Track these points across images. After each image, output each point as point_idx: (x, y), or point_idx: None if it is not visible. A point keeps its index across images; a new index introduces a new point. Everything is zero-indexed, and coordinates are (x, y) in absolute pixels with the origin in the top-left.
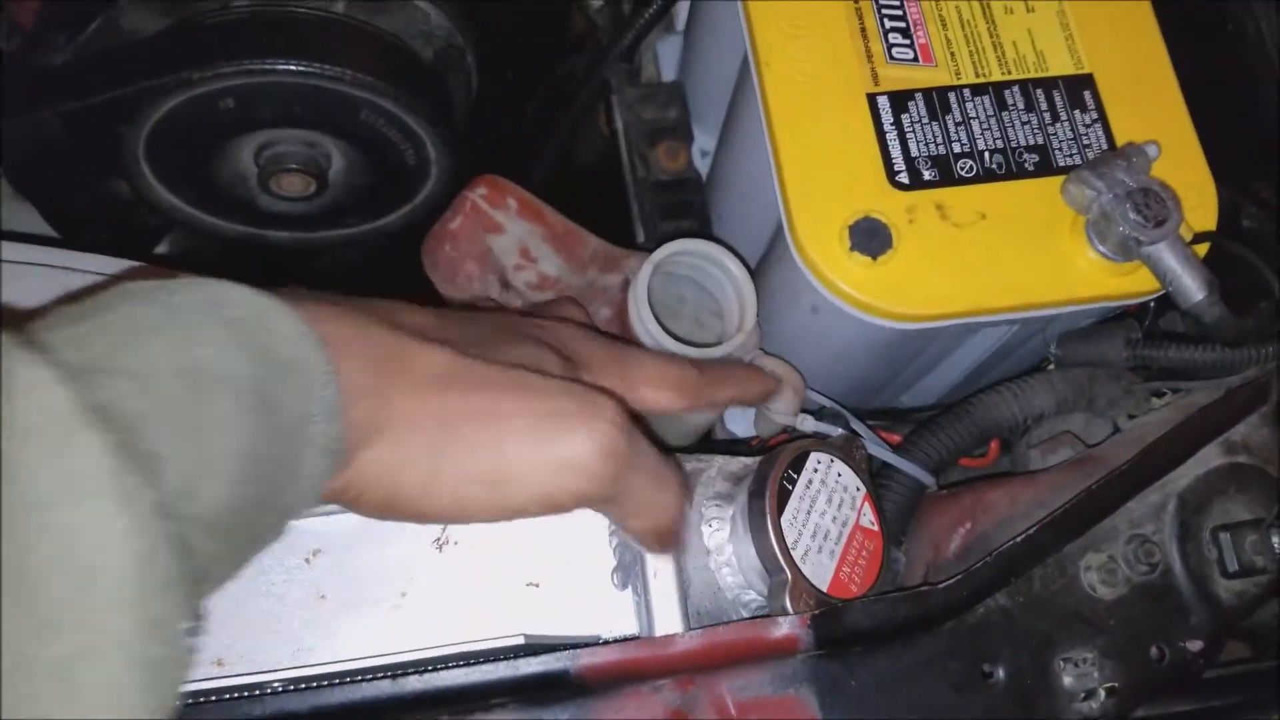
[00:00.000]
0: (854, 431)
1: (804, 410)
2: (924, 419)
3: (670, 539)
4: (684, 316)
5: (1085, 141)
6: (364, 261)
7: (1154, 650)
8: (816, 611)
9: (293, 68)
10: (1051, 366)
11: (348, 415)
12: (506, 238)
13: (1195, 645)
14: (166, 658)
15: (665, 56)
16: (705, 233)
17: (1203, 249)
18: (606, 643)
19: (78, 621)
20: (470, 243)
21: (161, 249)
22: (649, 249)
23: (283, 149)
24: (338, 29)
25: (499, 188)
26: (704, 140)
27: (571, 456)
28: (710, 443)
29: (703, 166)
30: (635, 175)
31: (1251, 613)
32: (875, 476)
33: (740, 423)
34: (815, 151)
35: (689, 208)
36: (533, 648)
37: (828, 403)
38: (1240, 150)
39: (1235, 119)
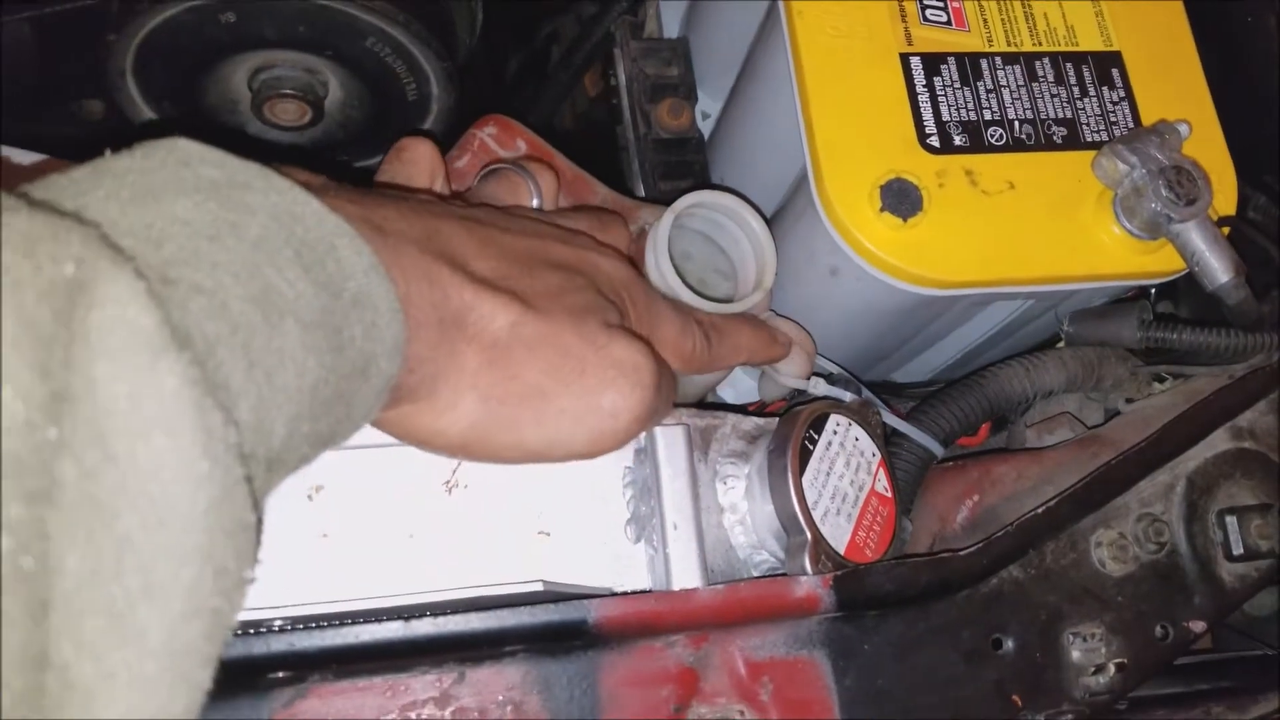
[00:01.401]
0: (865, 398)
1: (815, 374)
2: (922, 394)
3: None
4: (689, 274)
5: (1112, 118)
6: None
7: (1159, 629)
8: (836, 573)
9: None
10: (1062, 344)
11: (406, 356)
12: None
13: (1198, 626)
14: (226, 608)
15: (668, 13)
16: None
17: (1225, 231)
18: (625, 594)
19: (143, 564)
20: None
21: None
22: (660, 201)
23: (280, 73)
24: None
25: (508, 128)
26: (707, 103)
27: (619, 407)
28: (706, 405)
29: (704, 129)
30: (637, 132)
31: (1251, 596)
32: (888, 444)
33: (732, 390)
34: (846, 109)
35: (690, 168)
36: (549, 596)
37: (835, 369)
38: (1248, 142)
39: (1244, 111)
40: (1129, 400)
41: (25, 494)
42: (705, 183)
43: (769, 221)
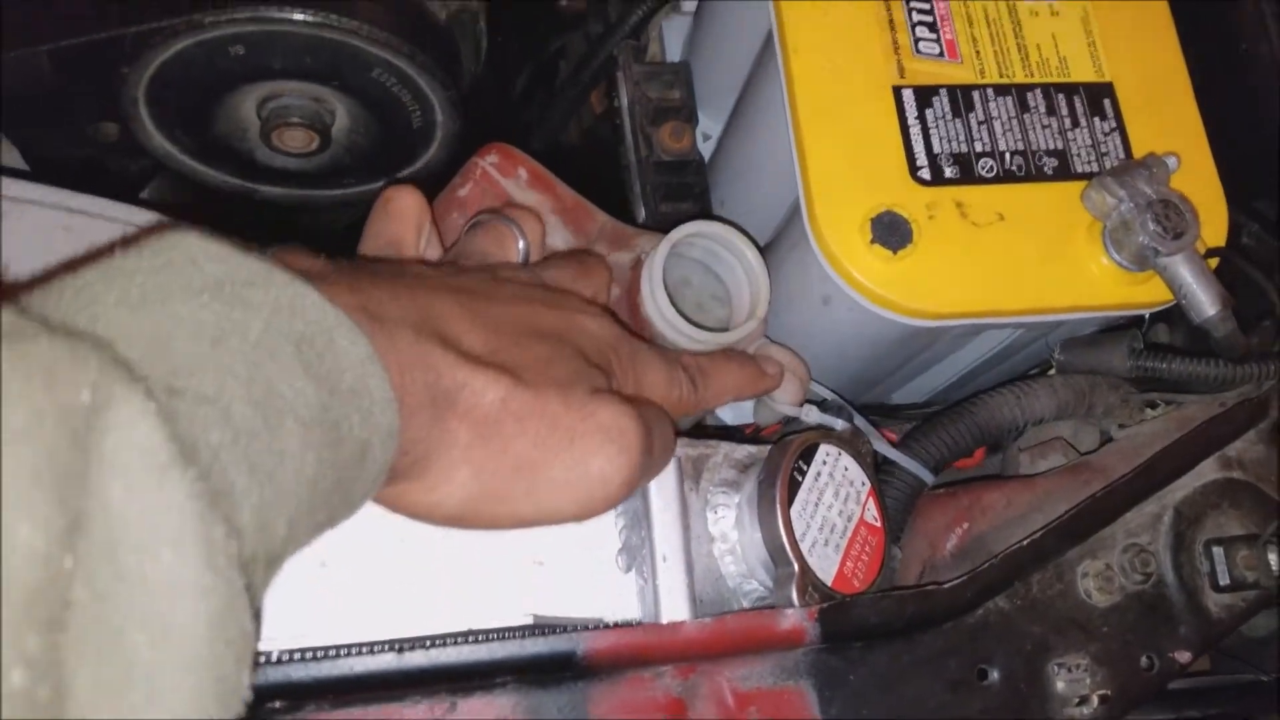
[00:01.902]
0: (857, 425)
1: (808, 401)
2: (916, 417)
3: None
4: (687, 300)
5: (1103, 149)
6: (355, 222)
7: (1144, 659)
8: (821, 605)
9: (308, 18)
10: (1053, 371)
11: (400, 440)
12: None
13: (1184, 656)
14: (225, 711)
15: (670, 36)
16: (707, 217)
17: (1212, 264)
18: (614, 626)
19: (149, 676)
20: (479, 211)
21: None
22: (657, 229)
23: (287, 102)
24: None
25: (510, 156)
26: (708, 124)
27: (608, 473)
28: (703, 429)
29: (705, 151)
30: (638, 155)
31: (1238, 626)
32: (878, 471)
33: (730, 410)
34: (839, 142)
35: (690, 190)
36: (539, 628)
37: (829, 395)
38: (1242, 168)
39: (1239, 136)
40: (1122, 426)
41: (42, 624)
42: (706, 205)
43: (766, 248)
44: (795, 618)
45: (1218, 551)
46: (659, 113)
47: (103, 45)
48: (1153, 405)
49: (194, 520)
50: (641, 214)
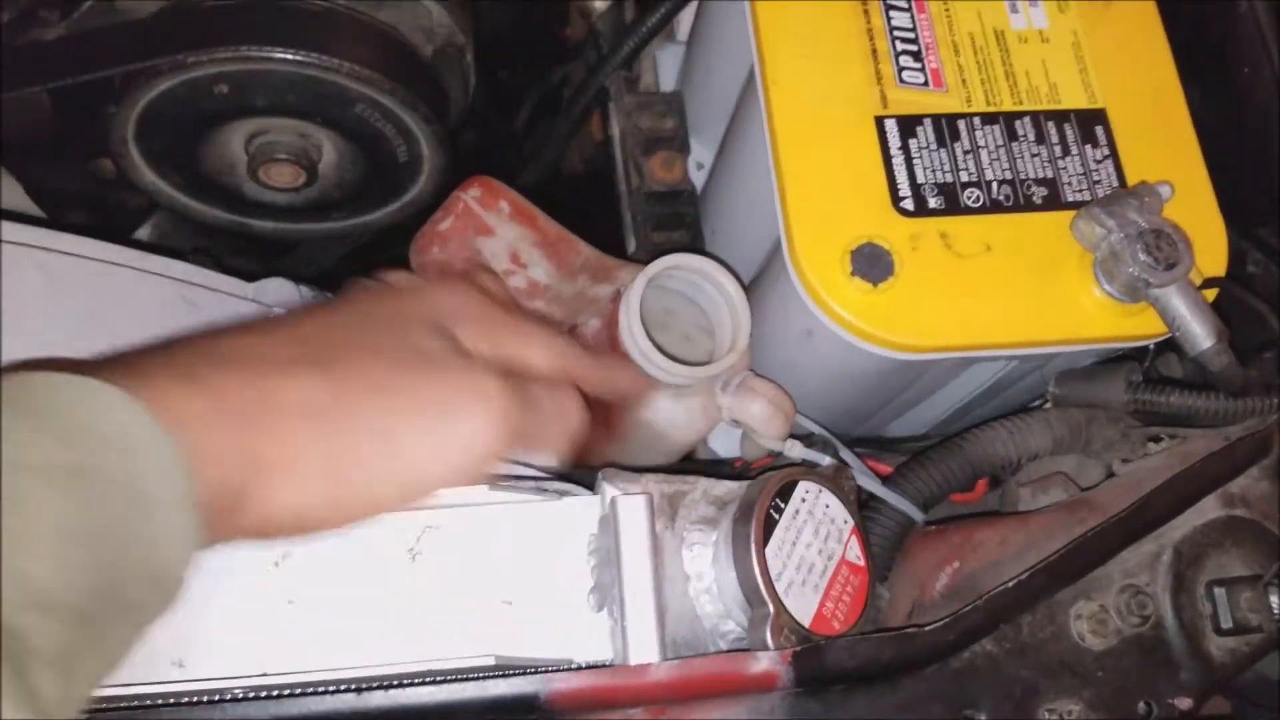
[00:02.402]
0: (843, 460)
1: (793, 436)
2: (913, 450)
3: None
4: (673, 330)
5: (1095, 177)
6: (345, 255)
7: (1141, 705)
8: (797, 647)
9: (290, 56)
10: (1049, 405)
11: (217, 474)
12: (497, 241)
13: (1184, 703)
14: None
15: (665, 65)
16: (697, 246)
17: (1210, 294)
18: (579, 668)
19: None
20: (460, 245)
21: (143, 232)
22: (642, 260)
23: (274, 138)
24: (338, 20)
25: (492, 189)
26: (701, 153)
27: (469, 435)
28: (693, 462)
29: (698, 179)
30: (629, 184)
31: (1242, 672)
32: (862, 508)
33: (723, 441)
34: (819, 172)
35: (681, 220)
36: (502, 668)
37: (817, 429)
38: (1246, 194)
39: (1241, 162)
40: (1126, 461)
41: None
42: (698, 235)
43: (753, 279)
44: (767, 661)
45: (1220, 593)
46: (651, 143)
47: (92, 86)
48: (1156, 439)
49: None
50: (633, 244)
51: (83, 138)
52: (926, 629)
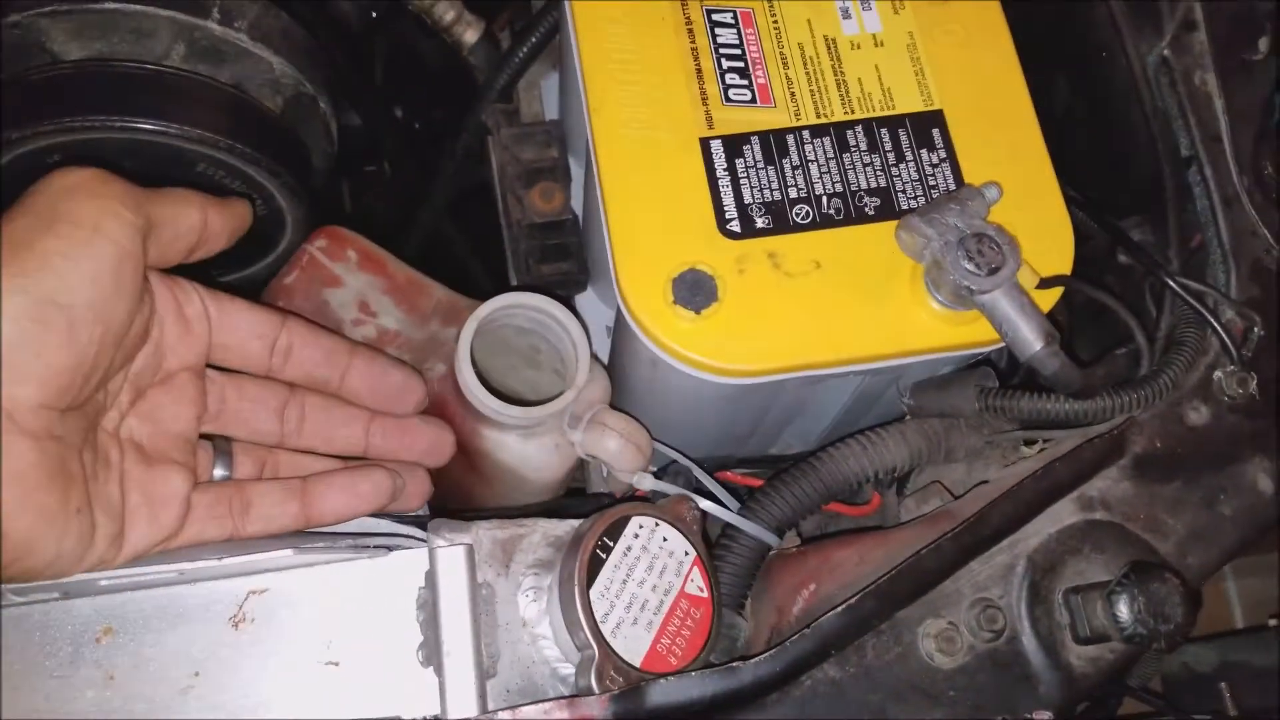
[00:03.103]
0: (700, 488)
1: (654, 466)
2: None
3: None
4: (545, 367)
5: (931, 182)
6: None
7: None
8: (613, 692)
9: (115, 123)
10: (908, 416)
11: None
12: (345, 291)
13: (1043, 716)
14: None
15: (549, 94)
16: (584, 276)
17: (1057, 293)
18: None
19: None
20: (306, 298)
21: None
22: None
23: None
24: (166, 82)
25: (339, 239)
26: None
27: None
28: (574, 499)
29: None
30: (511, 218)
31: (1106, 681)
32: (720, 536)
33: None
34: (643, 199)
35: (566, 250)
36: None
37: (680, 458)
38: (1119, 185)
39: (1112, 155)
40: (1007, 466)
41: None
42: (584, 265)
43: (616, 314)
44: (585, 707)
45: (1076, 600)
46: (531, 174)
47: None
48: (1030, 443)
49: None
50: (514, 278)
51: None
52: (750, 660)
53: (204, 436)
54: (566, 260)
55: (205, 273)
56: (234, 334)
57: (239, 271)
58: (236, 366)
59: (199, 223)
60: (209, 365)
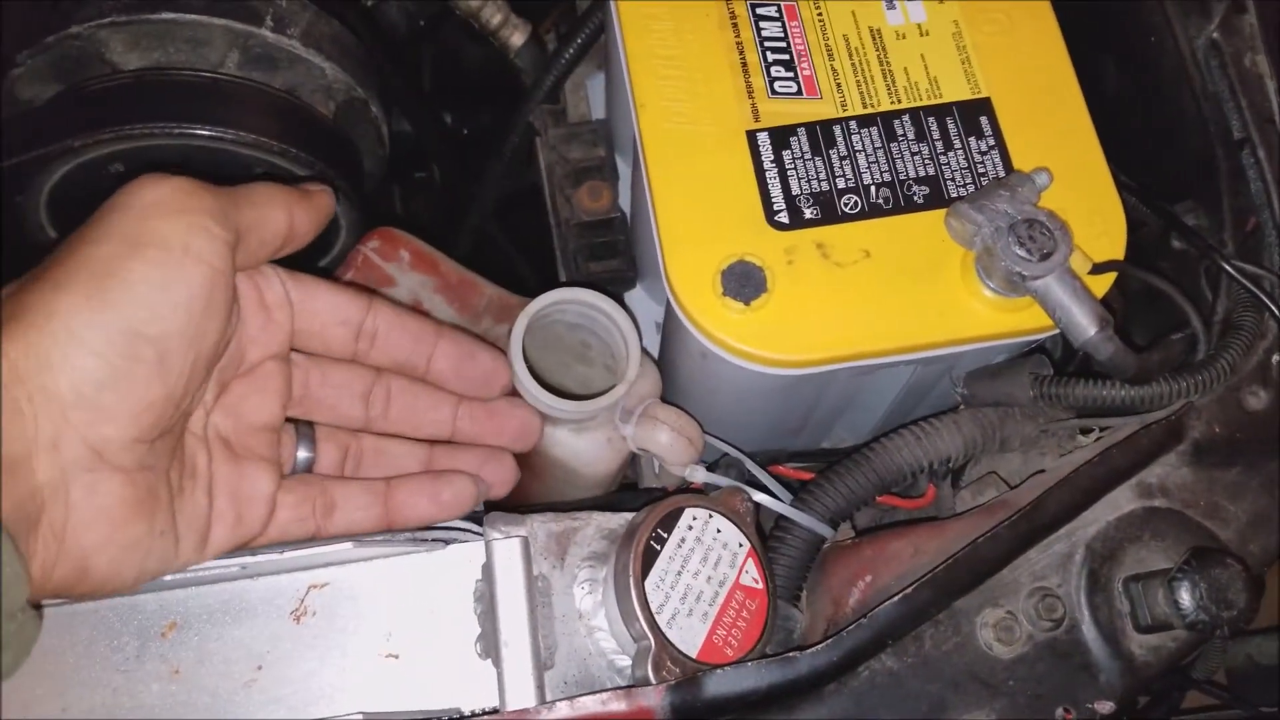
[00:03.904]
0: (753, 481)
1: (703, 461)
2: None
3: None
4: (596, 363)
5: (981, 170)
6: None
7: (1059, 712)
8: (669, 683)
9: (173, 130)
10: (962, 406)
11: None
12: (398, 290)
13: (1105, 706)
14: None
15: (595, 93)
16: (632, 273)
17: (1110, 278)
18: (471, 716)
19: None
20: None
21: None
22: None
23: None
24: (223, 89)
25: (392, 240)
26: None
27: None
28: (626, 494)
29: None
30: (559, 217)
31: (1169, 670)
32: (774, 528)
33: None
34: (691, 194)
35: (614, 248)
36: None
37: (732, 450)
38: (1171, 169)
39: (1163, 138)
40: (1063, 455)
41: None
42: (632, 262)
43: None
44: (641, 697)
45: (1136, 589)
46: (578, 173)
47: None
48: (1087, 431)
49: None
50: (563, 277)
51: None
52: (807, 651)
53: (288, 420)
54: (615, 258)
55: None
56: (317, 319)
57: None
58: (320, 352)
59: (285, 224)
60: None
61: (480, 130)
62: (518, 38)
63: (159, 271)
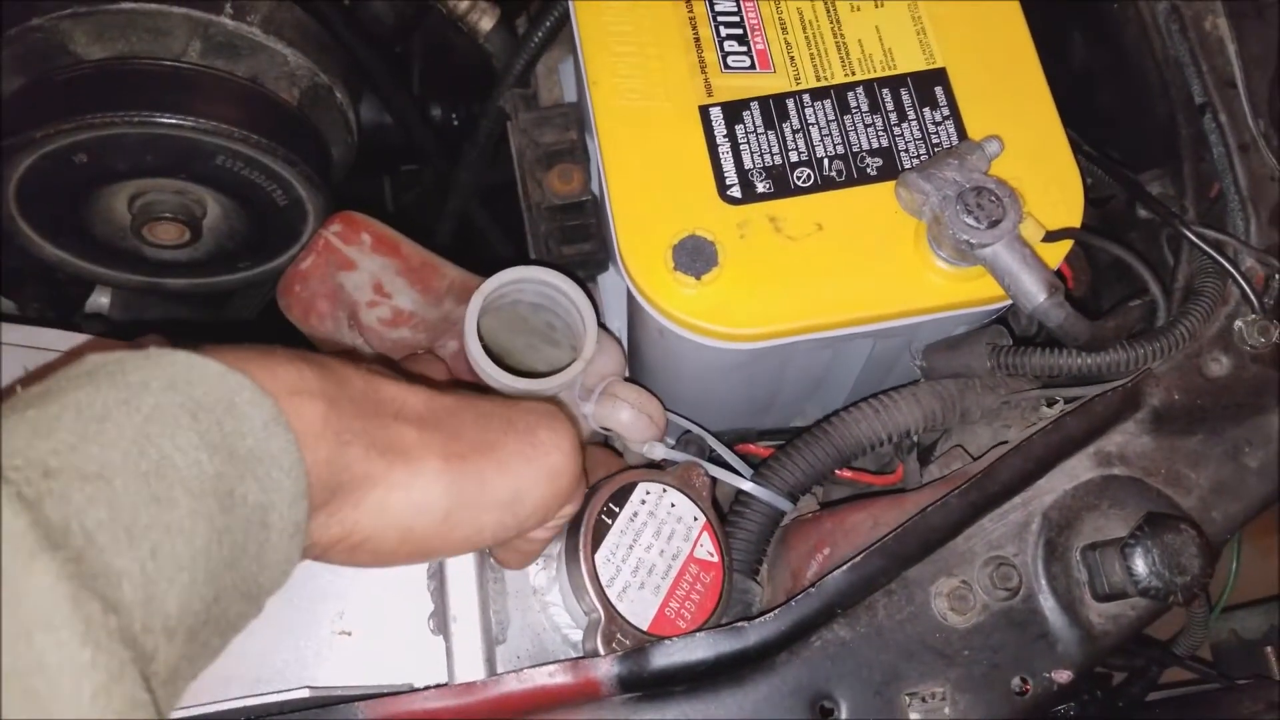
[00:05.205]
0: (714, 457)
1: (670, 440)
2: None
3: None
4: (563, 344)
5: (935, 141)
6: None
7: (1015, 681)
8: (617, 654)
9: (134, 118)
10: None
11: (331, 472)
12: (359, 274)
13: (1063, 676)
14: None
15: (569, 77)
16: (604, 256)
17: (1066, 246)
18: (397, 693)
19: None
20: (321, 281)
21: (105, 299)
22: None
23: (153, 198)
24: (184, 77)
25: (353, 223)
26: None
27: (557, 465)
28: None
29: None
30: (530, 201)
31: (1128, 638)
32: (734, 503)
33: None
34: (644, 170)
35: (586, 231)
36: (321, 701)
37: (694, 427)
38: (1138, 138)
39: (1130, 109)
40: (1030, 427)
41: None
42: (603, 243)
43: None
44: (588, 669)
45: (1094, 557)
46: (549, 156)
47: None
48: (1052, 402)
49: (65, 601)
50: (534, 259)
51: None
52: (755, 621)
53: None
54: (587, 241)
55: (232, 266)
56: None
57: (266, 264)
58: None
59: None
60: None
61: (470, 120)
62: (486, 22)
63: None
